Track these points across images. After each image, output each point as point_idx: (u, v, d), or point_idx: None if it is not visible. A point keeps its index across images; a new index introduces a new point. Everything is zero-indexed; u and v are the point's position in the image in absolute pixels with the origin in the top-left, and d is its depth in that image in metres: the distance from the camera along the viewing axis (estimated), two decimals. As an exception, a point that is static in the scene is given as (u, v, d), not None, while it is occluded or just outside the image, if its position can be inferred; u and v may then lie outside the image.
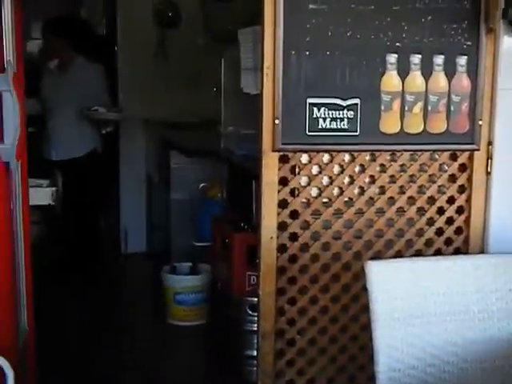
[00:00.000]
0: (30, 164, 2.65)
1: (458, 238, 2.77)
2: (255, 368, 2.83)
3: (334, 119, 2.56)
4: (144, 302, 4.70)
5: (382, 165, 2.67)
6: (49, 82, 4.93)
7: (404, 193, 2.71)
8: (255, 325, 2.93)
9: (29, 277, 2.67)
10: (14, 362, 2.24)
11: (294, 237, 2.66)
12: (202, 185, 4.61)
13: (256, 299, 2.79)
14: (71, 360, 3.64)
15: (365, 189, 2.68)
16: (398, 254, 2.72)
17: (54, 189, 3.46)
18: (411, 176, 2.71)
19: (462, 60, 2.62)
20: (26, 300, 2.66)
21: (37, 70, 5.04)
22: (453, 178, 2.74)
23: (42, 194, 3.43)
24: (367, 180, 2.68)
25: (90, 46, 5.07)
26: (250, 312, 3.37)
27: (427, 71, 2.61)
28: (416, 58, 2.60)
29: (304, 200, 2.64)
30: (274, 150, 2.55)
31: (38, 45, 6.40)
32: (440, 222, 2.75)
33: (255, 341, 2.85)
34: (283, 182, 2.60)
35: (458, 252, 2.76)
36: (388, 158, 2.67)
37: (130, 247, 5.73)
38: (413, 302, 2.05)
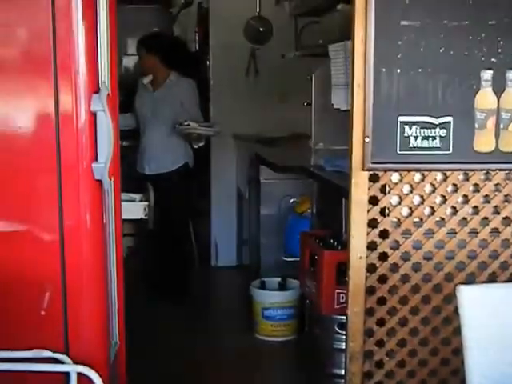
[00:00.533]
0: (123, 177, 2.71)
1: (556, 261, 2.66)
2: (343, 388, 2.79)
3: (425, 137, 2.51)
4: (232, 315, 4.72)
5: (475, 184, 2.60)
6: (143, 98, 5.02)
7: (499, 213, 2.62)
8: (343, 343, 2.89)
9: (120, 291, 2.72)
10: (105, 376, 2.29)
11: (383, 257, 2.62)
12: (292, 200, 4.61)
13: (345, 317, 2.76)
14: (160, 374, 3.68)
15: (457, 209, 2.60)
16: (492, 277, 2.63)
17: (146, 203, 3.53)
18: (506, 196, 2.62)
19: (562, 76, 2.52)
20: (117, 314, 2.71)
21: (132, 86, 5.16)
22: (551, 198, 2.64)
23: (135, 209, 3.50)
24: (460, 200, 2.61)
25: (182, 62, 5.13)
26: (339, 330, 3.33)
27: (524, 88, 2.53)
28: (512, 75, 2.52)
29: (394, 219, 2.60)
30: (363, 169, 2.52)
31: (134, 60, 6.59)
32: (538, 244, 2.65)
33: (343, 360, 2.82)
34: (373, 201, 2.56)
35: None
36: (482, 177, 2.59)
37: (220, 261, 5.78)
38: (507, 329, 1.97)
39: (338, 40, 4.04)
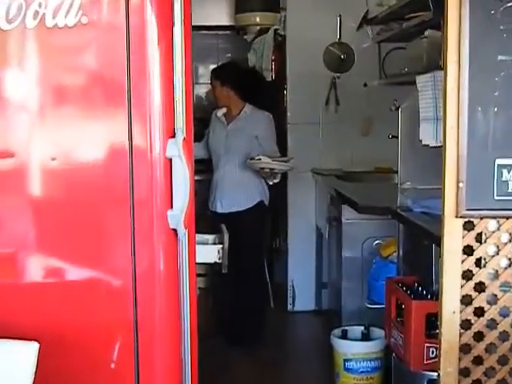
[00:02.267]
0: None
1: None
2: None
3: (526, 182, 2.47)
4: (310, 366, 4.70)
5: None
6: (216, 131, 5.10)
7: None
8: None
9: (194, 343, 2.73)
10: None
11: (479, 312, 2.57)
12: (376, 242, 4.57)
13: (435, 374, 2.72)
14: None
15: None
16: None
17: (220, 246, 3.56)
18: None
19: None
20: (190, 365, 2.72)
21: (203, 116, 5.25)
22: None
23: (208, 252, 3.53)
24: None
25: (258, 94, 5.18)
26: (429, 388, 3.27)
27: None
28: None
29: (491, 271, 2.55)
30: (457, 216, 2.49)
31: (205, 88, 6.70)
32: None
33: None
34: (468, 250, 2.53)
35: None
36: None
37: (298, 304, 5.77)
38: None
39: (425, 69, 4.03)
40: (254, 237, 5.03)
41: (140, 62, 2.25)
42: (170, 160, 2.28)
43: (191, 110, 2.56)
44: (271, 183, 5.02)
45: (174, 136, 2.29)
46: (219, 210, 5.01)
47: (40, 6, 2.21)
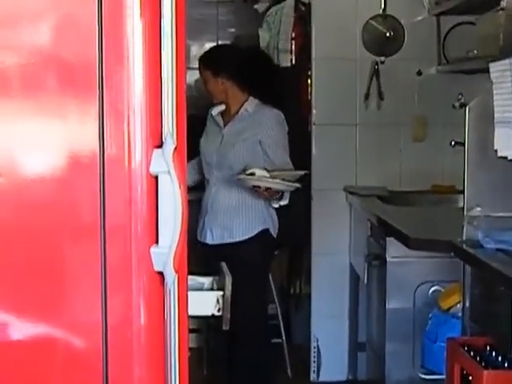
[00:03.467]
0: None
1: None
2: None
3: None
4: None
5: None
6: (209, 136, 5.24)
7: None
8: None
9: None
10: None
11: None
12: (433, 289, 4.57)
13: None
14: None
15: None
16: None
17: (219, 293, 3.58)
18: None
19: None
20: None
21: (197, 116, 5.24)
22: None
23: (204, 301, 3.55)
24: None
25: (264, 84, 5.17)
26: None
27: None
28: None
29: None
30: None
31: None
32: None
33: None
34: None
35: None
36: None
37: (324, 373, 5.79)
38: None
39: (502, 52, 4.05)
40: (254, 278, 5.02)
41: (116, 42, 2.24)
42: (156, 177, 2.28)
43: (184, 108, 2.56)
44: (276, 206, 5.04)
45: (161, 145, 2.29)
46: (209, 240, 5.09)
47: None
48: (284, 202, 4.98)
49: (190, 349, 5.36)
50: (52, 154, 2.31)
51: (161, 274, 2.31)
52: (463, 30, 5.31)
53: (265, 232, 5.03)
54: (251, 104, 5.04)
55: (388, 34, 5.67)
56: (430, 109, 5.50)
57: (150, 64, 2.29)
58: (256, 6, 6.30)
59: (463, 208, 4.08)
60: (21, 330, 2.37)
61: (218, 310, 3.58)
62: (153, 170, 2.27)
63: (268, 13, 6.14)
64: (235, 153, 4.98)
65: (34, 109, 2.29)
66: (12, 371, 2.35)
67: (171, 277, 2.30)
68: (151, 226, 2.29)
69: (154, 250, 2.29)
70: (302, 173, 5.06)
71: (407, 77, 5.60)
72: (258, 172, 4.77)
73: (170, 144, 2.29)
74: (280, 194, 4.93)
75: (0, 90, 2.29)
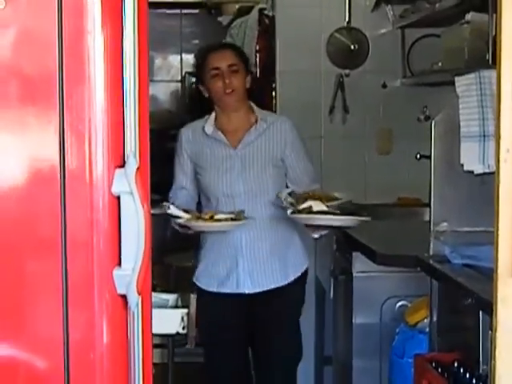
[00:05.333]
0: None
1: None
2: None
3: None
4: None
5: None
6: (214, 162, 4.50)
7: None
8: None
9: None
10: None
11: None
12: (400, 304, 4.57)
13: None
14: None
15: None
16: None
17: (184, 311, 3.54)
18: None
19: None
20: None
21: (161, 131, 5.17)
22: None
23: (168, 319, 3.51)
24: None
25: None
26: None
27: None
28: None
29: None
30: (515, 276, 2.49)
31: (164, 89, 6.70)
32: None
33: None
34: (531, 323, 2.53)
35: None
36: None
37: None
38: None
39: (467, 65, 4.06)
40: (298, 313, 4.80)
41: (76, 60, 2.23)
42: (118, 197, 2.25)
43: (147, 126, 2.53)
44: (317, 236, 4.51)
45: (123, 165, 2.26)
46: (248, 289, 4.56)
47: None
48: (325, 232, 4.43)
49: (155, 364, 5.31)
50: (12, 170, 2.27)
51: (124, 297, 2.28)
52: (428, 43, 5.34)
53: (307, 270, 4.75)
54: (261, 112, 4.50)
55: (352, 47, 5.68)
56: (396, 121, 5.51)
57: (111, 82, 2.27)
58: (220, 19, 6.30)
59: (430, 222, 4.07)
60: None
61: (183, 328, 3.54)
62: (115, 189, 2.24)
63: (232, 25, 6.14)
64: (269, 177, 4.43)
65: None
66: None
67: (134, 299, 2.27)
68: (114, 247, 2.26)
69: (116, 272, 2.26)
70: (345, 200, 4.56)
71: (372, 89, 5.61)
72: (315, 205, 4.09)
73: (132, 164, 2.26)
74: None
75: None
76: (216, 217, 4.11)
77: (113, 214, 2.25)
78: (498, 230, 2.50)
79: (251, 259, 4.41)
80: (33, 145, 2.25)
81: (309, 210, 4.05)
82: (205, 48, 4.70)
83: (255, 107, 4.45)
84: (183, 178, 4.53)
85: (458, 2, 4.12)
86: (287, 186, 4.42)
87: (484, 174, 3.49)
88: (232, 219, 4.17)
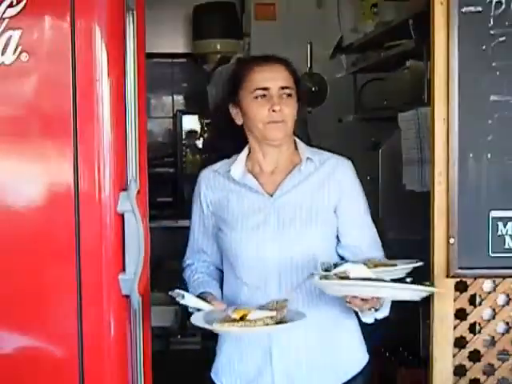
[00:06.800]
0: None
1: None
2: None
3: (524, 237, 2.50)
4: None
5: None
6: (241, 213, 2.58)
7: None
8: None
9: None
10: None
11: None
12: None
13: None
14: None
15: None
16: None
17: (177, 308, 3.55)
18: None
19: None
20: None
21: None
22: None
23: (162, 313, 3.52)
24: None
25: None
26: None
27: None
28: None
29: (487, 338, 2.58)
30: (448, 276, 2.53)
31: (160, 126, 6.69)
32: None
33: None
34: (461, 315, 2.57)
35: None
36: None
37: None
38: None
39: (407, 103, 4.10)
40: None
41: (88, 104, 2.24)
42: (122, 215, 2.26)
43: (145, 157, 2.56)
44: (371, 321, 2.49)
45: (126, 188, 2.28)
46: None
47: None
48: (386, 311, 2.47)
49: (153, 352, 5.30)
50: (35, 193, 2.26)
51: (127, 297, 2.29)
52: (375, 85, 5.35)
53: (369, 363, 2.64)
54: (307, 150, 2.62)
55: (314, 89, 5.68)
56: (349, 150, 5.49)
57: (116, 120, 2.27)
58: (204, 66, 6.29)
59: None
60: (9, 342, 2.32)
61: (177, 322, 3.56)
62: (119, 209, 2.25)
63: (214, 72, 6.14)
64: (316, 237, 2.52)
65: (19, 153, 2.25)
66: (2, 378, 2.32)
67: (136, 299, 2.28)
68: (118, 256, 2.27)
69: (121, 277, 2.26)
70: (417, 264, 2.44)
71: (330, 124, 5.61)
72: (355, 270, 2.29)
73: (133, 188, 2.28)
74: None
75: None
76: (250, 315, 2.30)
77: (118, 228, 2.25)
78: (433, 238, 2.54)
79: (290, 351, 2.52)
80: (52, 172, 2.25)
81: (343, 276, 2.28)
82: (249, 58, 3.09)
83: (300, 143, 2.63)
84: (203, 239, 2.73)
85: (399, 52, 4.15)
86: (340, 257, 2.58)
87: (423, 192, 3.51)
88: (271, 319, 2.28)
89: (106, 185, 2.23)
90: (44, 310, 2.30)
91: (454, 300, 2.55)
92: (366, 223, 2.62)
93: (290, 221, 2.49)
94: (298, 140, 2.63)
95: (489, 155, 2.49)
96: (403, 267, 2.38)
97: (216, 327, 2.29)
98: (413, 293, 2.16)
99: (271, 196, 2.53)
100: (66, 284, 2.25)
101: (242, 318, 2.29)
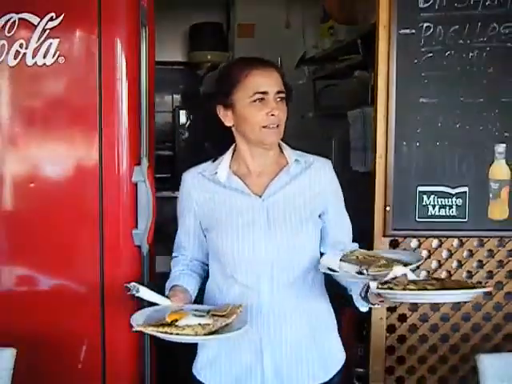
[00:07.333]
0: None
1: None
2: None
3: (442, 206, 2.54)
4: None
5: (489, 250, 2.61)
6: (229, 215, 2.00)
7: (512, 277, 2.62)
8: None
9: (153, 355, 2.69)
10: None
11: (402, 318, 2.63)
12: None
13: (362, 370, 2.78)
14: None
15: (473, 273, 2.61)
16: (507, 338, 2.62)
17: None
18: (520, 261, 2.62)
19: None
20: (150, 366, 2.69)
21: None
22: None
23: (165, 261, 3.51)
24: (475, 264, 2.62)
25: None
26: (357, 383, 3.31)
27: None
28: (525, 148, 2.55)
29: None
30: (385, 235, 2.55)
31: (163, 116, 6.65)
32: (549, 307, 2.64)
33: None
34: (393, 265, 2.57)
35: None
36: (496, 243, 2.60)
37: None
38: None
39: (355, 103, 4.11)
40: None
41: (111, 97, 2.26)
42: (136, 184, 2.28)
43: (153, 141, 2.59)
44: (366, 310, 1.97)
45: (139, 163, 2.29)
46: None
47: (21, 46, 2.20)
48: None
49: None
50: (69, 169, 2.29)
51: (139, 247, 2.31)
52: (330, 89, 5.34)
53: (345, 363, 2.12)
54: (293, 153, 2.10)
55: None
56: (309, 141, 5.51)
57: (132, 112, 2.30)
58: (198, 72, 6.26)
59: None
60: (47, 283, 2.34)
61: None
62: (134, 179, 2.28)
63: (206, 76, 6.12)
64: (306, 238, 2.01)
65: (57, 136, 2.28)
66: (39, 312, 2.32)
67: (146, 249, 2.31)
68: (132, 216, 2.29)
69: (134, 231, 2.29)
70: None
71: (294, 119, 5.59)
72: (396, 271, 1.76)
73: (145, 163, 2.30)
74: None
75: (43, 129, 2.28)
76: (181, 321, 1.76)
77: (132, 194, 2.28)
78: (373, 206, 2.56)
79: (281, 348, 1.97)
80: (83, 151, 2.27)
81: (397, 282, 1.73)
82: (246, 60, 2.08)
83: (284, 145, 2.11)
84: (185, 237, 2.09)
85: (350, 64, 4.16)
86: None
87: (365, 172, 3.53)
88: (203, 328, 1.76)
89: (124, 161, 2.26)
90: (75, 257, 2.32)
91: (389, 254, 2.57)
92: (346, 218, 2.10)
93: (280, 221, 1.95)
94: (282, 143, 2.09)
95: (417, 143, 2.51)
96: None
97: (138, 328, 1.72)
98: (469, 296, 1.70)
99: (260, 197, 1.97)
100: (92, 237, 2.27)
101: (173, 322, 1.75)
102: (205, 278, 2.09)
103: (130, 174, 2.27)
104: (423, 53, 2.48)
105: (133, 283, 1.85)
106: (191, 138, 6.15)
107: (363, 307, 1.90)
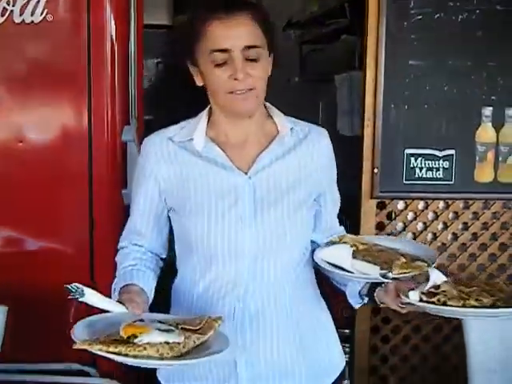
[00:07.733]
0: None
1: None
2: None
3: (430, 169, 2.56)
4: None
5: (475, 212, 2.64)
6: (207, 193, 1.58)
7: (496, 239, 2.66)
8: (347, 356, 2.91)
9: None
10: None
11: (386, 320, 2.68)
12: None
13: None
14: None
15: (458, 235, 2.65)
16: (490, 299, 2.67)
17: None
18: (504, 223, 2.66)
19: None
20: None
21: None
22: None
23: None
24: (460, 226, 2.65)
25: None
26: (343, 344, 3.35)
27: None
28: (511, 111, 2.57)
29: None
30: (372, 197, 2.57)
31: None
32: (532, 269, 2.68)
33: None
34: (380, 227, 2.62)
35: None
36: (481, 206, 2.64)
37: None
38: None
39: (341, 67, 4.10)
40: None
41: (100, 58, 2.25)
42: (125, 143, 2.28)
43: (142, 102, 2.57)
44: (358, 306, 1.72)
45: (129, 123, 2.29)
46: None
47: (8, 3, 2.18)
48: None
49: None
50: (59, 130, 2.28)
51: (128, 206, 2.30)
52: (317, 53, 5.32)
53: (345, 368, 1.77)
54: (285, 119, 1.68)
55: (269, 56, 5.62)
56: (295, 105, 5.50)
57: (121, 74, 2.29)
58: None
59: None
60: (38, 243, 2.35)
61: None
62: (123, 138, 2.28)
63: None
64: (299, 225, 1.60)
65: (47, 95, 2.26)
66: (30, 271, 2.33)
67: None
68: (122, 176, 2.29)
69: (123, 191, 2.29)
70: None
71: (281, 83, 5.58)
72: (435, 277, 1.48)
73: (134, 123, 2.31)
74: None
75: (30, 88, 2.26)
76: (142, 337, 1.30)
77: (121, 155, 2.29)
78: (361, 168, 2.58)
79: (259, 358, 1.59)
80: (73, 110, 2.27)
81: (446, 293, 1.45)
82: (210, 4, 1.54)
83: (274, 109, 1.71)
84: (142, 221, 1.68)
85: (336, 28, 4.13)
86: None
87: (352, 136, 3.54)
88: (171, 349, 1.31)
89: (113, 121, 2.26)
90: (65, 217, 2.32)
91: (376, 215, 2.59)
92: (338, 199, 1.74)
93: (269, 203, 1.55)
94: (271, 106, 1.70)
95: (406, 106, 2.52)
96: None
97: (81, 346, 1.26)
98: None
99: (245, 173, 1.56)
100: (81, 197, 2.27)
101: (130, 339, 1.29)
102: (159, 277, 1.67)
103: (120, 133, 2.26)
104: (412, 15, 2.48)
105: (75, 284, 1.36)
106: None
107: (357, 304, 1.64)
